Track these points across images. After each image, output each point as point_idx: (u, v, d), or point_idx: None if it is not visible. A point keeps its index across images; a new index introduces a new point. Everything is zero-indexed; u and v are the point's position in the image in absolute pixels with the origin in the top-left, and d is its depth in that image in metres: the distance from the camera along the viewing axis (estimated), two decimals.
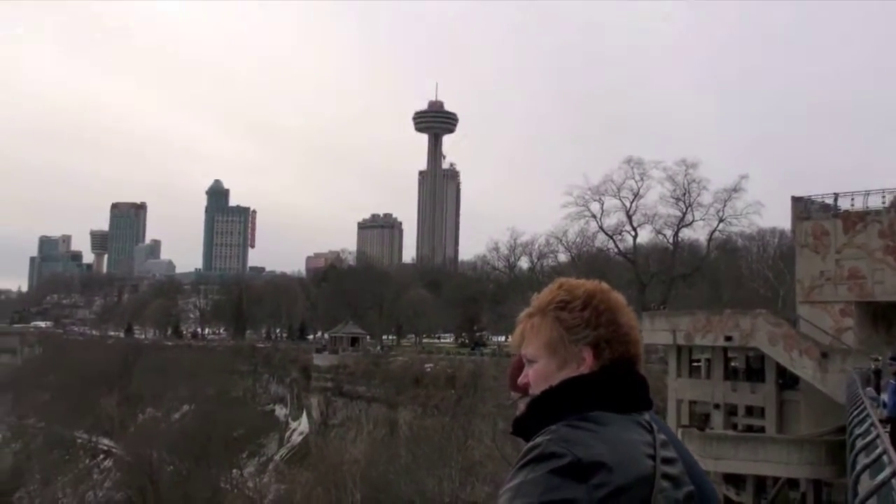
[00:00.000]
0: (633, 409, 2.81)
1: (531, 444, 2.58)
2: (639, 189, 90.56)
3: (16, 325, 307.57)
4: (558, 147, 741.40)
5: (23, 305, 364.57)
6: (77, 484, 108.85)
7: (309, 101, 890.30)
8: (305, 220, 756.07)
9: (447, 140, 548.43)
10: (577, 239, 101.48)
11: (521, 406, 2.97)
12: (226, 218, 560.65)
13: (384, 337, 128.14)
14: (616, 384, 2.82)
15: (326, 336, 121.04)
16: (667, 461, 2.70)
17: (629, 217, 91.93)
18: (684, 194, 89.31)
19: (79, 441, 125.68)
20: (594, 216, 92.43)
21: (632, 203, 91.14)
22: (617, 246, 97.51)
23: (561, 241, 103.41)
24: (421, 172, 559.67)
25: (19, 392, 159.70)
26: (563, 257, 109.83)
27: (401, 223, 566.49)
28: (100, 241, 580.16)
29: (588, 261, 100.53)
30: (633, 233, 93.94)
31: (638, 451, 2.64)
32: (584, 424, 2.64)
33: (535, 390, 2.93)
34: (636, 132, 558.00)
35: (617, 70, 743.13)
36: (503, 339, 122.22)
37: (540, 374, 2.94)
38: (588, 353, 2.87)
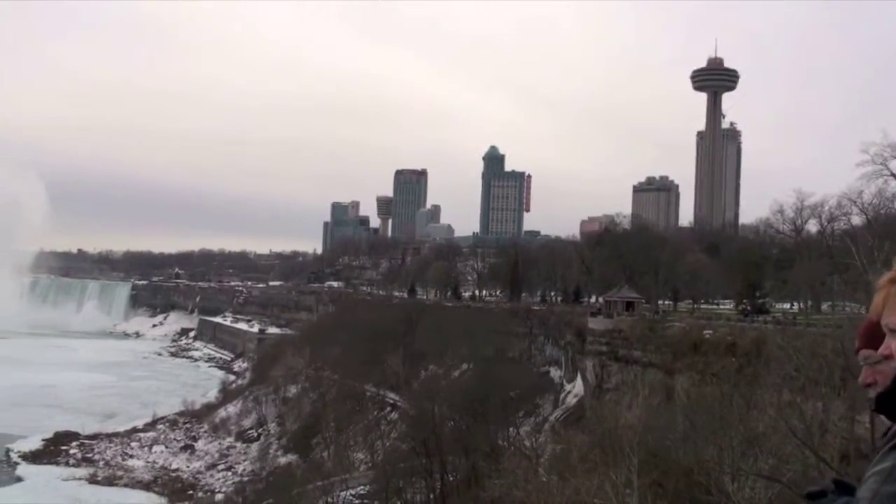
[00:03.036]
0: None
1: None
2: None
3: (312, 285, 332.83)
4: (847, 104, 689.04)
5: (318, 267, 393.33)
6: (366, 433, 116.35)
7: (581, 63, 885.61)
8: (580, 184, 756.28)
9: (727, 98, 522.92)
10: (875, 200, 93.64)
11: (871, 376, 2.72)
12: (502, 183, 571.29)
13: (660, 302, 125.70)
14: None
15: (601, 300, 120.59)
16: None
17: None
18: None
19: (368, 394, 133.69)
20: (894, 175, 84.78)
21: None
22: None
23: (855, 202, 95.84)
24: (699, 133, 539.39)
25: (316, 346, 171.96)
26: (856, 220, 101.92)
27: (677, 186, 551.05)
28: (385, 206, 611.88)
29: (886, 224, 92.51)
30: None
31: None
32: None
33: None
34: None
35: None
36: (788, 306, 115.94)
37: None
38: None
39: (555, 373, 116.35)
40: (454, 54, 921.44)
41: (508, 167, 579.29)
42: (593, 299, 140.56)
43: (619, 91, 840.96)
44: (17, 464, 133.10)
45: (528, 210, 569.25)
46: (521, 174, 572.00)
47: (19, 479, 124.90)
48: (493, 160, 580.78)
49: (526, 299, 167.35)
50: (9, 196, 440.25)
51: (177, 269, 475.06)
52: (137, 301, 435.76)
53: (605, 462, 41.71)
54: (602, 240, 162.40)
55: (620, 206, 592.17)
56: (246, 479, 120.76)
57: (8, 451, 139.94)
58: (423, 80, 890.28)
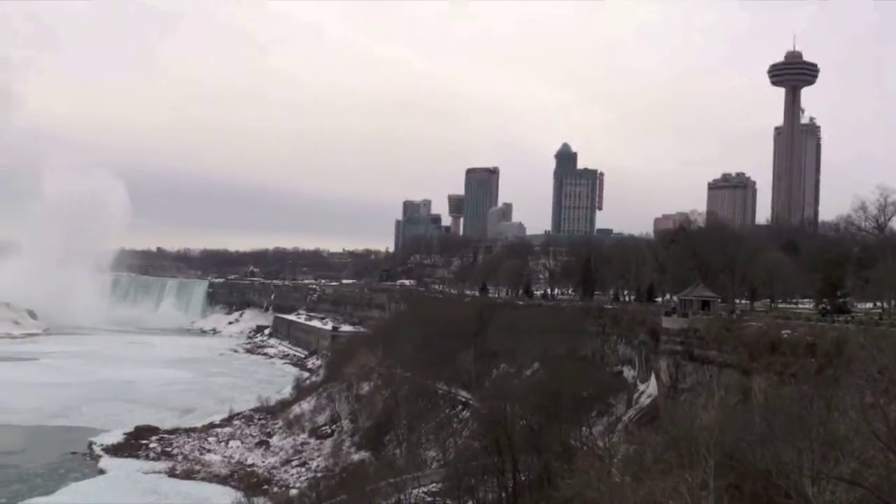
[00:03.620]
0: None
1: None
2: None
3: (384, 283, 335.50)
4: None
5: (390, 265, 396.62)
6: (438, 431, 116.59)
7: (655, 59, 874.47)
8: (653, 182, 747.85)
9: (806, 93, 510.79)
10: None
11: None
12: (574, 181, 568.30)
13: (736, 301, 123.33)
14: None
15: (675, 298, 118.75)
16: None
17: None
18: None
19: (439, 391, 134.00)
20: None
21: None
22: None
23: None
24: (776, 128, 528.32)
25: (388, 344, 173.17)
26: None
27: (754, 182, 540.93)
28: (456, 204, 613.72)
29: None
30: None
31: None
32: None
33: None
34: None
35: None
36: (870, 306, 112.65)
37: None
38: None
39: (628, 372, 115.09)
40: (527, 52, 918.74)
41: (580, 165, 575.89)
42: (667, 297, 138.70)
43: (694, 87, 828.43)
44: (99, 456, 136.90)
45: (600, 208, 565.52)
46: (594, 172, 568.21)
47: (102, 472, 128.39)
48: (565, 158, 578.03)
49: (598, 297, 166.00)
50: (92, 196, 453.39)
51: (252, 268, 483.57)
52: (214, 298, 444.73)
53: (681, 464, 40.97)
54: (676, 238, 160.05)
55: (695, 203, 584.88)
56: (319, 474, 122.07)
57: (91, 444, 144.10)
58: (494, 79, 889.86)
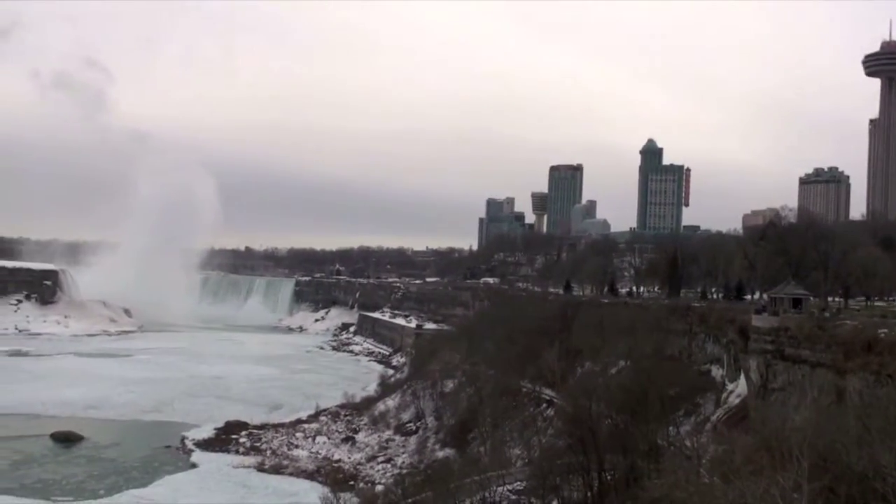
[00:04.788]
0: None
1: None
2: None
3: (468, 281, 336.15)
4: None
5: (473, 263, 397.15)
6: (522, 429, 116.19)
7: (740, 52, 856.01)
8: (742, 177, 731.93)
9: None
10: None
11: None
12: (659, 177, 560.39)
13: (829, 299, 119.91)
14: None
15: (765, 296, 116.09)
16: None
17: None
18: None
19: (524, 390, 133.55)
20: None
21: None
22: None
23: None
24: (872, 121, 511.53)
25: (472, 342, 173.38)
26: None
27: (847, 177, 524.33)
28: (540, 202, 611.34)
29: None
30: None
31: None
32: None
33: None
34: None
35: None
36: None
37: None
38: None
39: (716, 371, 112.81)
40: (609, 48, 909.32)
41: (666, 161, 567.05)
42: (756, 296, 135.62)
43: (782, 79, 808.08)
44: (191, 451, 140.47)
45: (686, 204, 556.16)
46: (680, 168, 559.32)
47: (194, 466, 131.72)
48: (651, 154, 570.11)
49: (685, 295, 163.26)
50: (184, 196, 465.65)
51: (338, 266, 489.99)
52: (301, 297, 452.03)
53: (772, 465, 39.91)
54: (766, 234, 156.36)
55: (786, 198, 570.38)
56: (405, 471, 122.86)
57: (183, 438, 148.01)
58: (578, 74, 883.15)
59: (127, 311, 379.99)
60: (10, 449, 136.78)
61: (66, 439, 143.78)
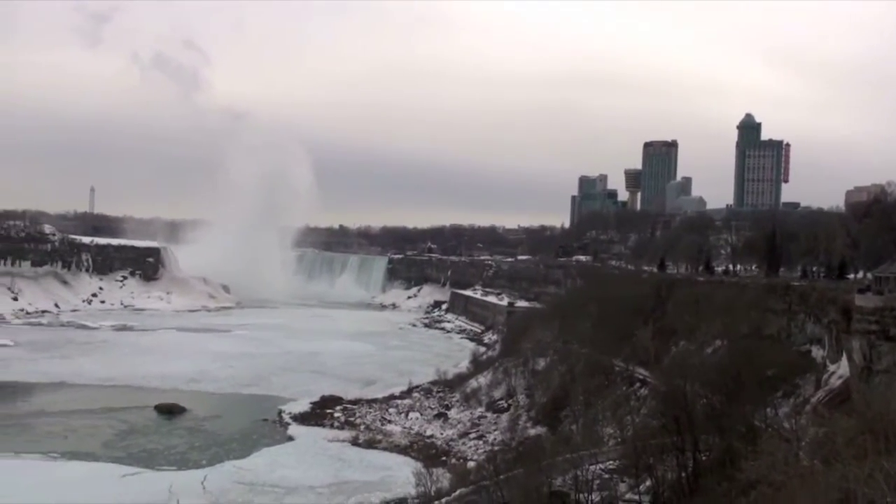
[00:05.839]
0: None
1: None
2: None
3: (560, 259, 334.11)
4: None
5: (566, 241, 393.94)
6: (615, 408, 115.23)
7: (841, 23, 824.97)
8: (844, 153, 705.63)
9: None
10: None
11: None
12: (757, 152, 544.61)
13: None
14: None
15: (869, 275, 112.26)
16: None
17: None
18: None
19: (616, 368, 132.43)
20: None
21: None
22: None
23: None
24: None
25: (564, 320, 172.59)
26: None
27: None
28: (633, 179, 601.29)
29: None
30: None
31: None
32: None
33: None
34: None
35: None
36: None
37: None
38: None
39: (816, 352, 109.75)
40: (705, 21, 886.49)
41: (765, 136, 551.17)
42: (860, 275, 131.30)
43: (888, 50, 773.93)
44: (288, 424, 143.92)
45: (786, 181, 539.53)
46: (779, 143, 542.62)
47: (291, 439, 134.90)
48: (749, 129, 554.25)
49: (784, 274, 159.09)
50: (280, 173, 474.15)
51: (430, 244, 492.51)
52: (393, 274, 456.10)
53: (876, 449, 38.78)
54: (871, 210, 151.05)
55: (892, 174, 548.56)
56: (496, 448, 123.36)
57: (280, 412, 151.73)
58: (673, 48, 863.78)
59: (225, 288, 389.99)
60: (117, 419, 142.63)
61: (169, 411, 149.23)
